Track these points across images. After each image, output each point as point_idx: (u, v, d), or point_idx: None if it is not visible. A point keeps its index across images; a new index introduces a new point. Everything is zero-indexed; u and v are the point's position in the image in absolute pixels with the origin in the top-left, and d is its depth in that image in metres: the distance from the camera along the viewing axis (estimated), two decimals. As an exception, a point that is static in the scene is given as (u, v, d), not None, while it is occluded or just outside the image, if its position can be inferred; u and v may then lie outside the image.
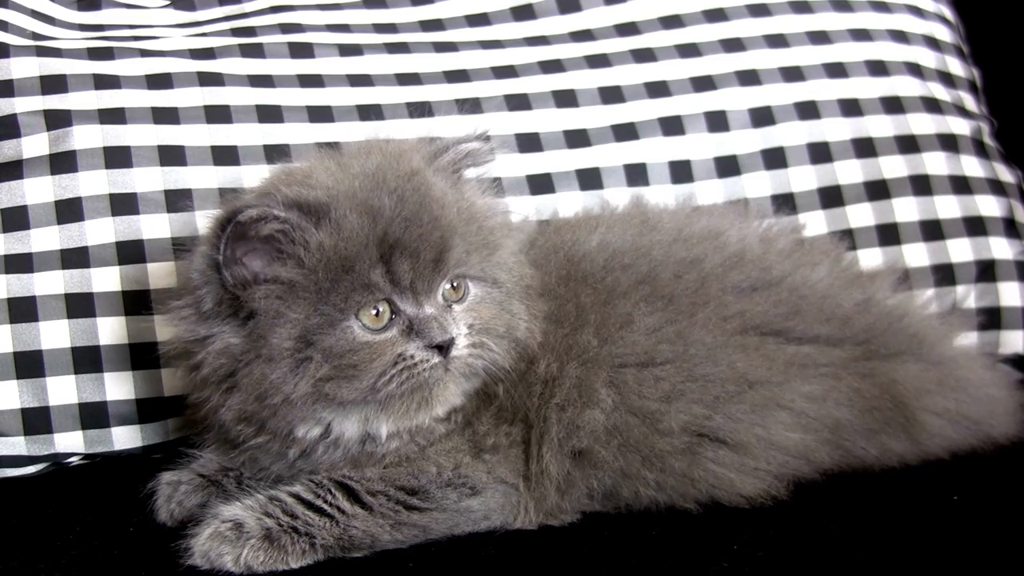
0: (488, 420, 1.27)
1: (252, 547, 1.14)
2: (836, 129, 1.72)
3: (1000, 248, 1.71)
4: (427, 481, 1.21)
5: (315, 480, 1.21)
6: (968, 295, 1.70)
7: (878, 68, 1.77)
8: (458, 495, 1.21)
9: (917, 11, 1.85)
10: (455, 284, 1.23)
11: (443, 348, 1.19)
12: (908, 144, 1.73)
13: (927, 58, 1.81)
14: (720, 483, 1.27)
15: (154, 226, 1.46)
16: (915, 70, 1.79)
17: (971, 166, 1.75)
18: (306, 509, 1.17)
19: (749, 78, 1.72)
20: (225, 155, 1.52)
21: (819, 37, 1.78)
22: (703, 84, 1.71)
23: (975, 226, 1.71)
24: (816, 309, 1.36)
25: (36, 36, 1.57)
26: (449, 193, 1.24)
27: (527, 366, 1.27)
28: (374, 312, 1.18)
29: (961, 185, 1.73)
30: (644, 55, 1.72)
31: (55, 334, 1.41)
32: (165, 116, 1.52)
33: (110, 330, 1.42)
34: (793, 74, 1.74)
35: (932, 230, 1.70)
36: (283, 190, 1.18)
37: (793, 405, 1.30)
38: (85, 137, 1.48)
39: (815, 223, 1.67)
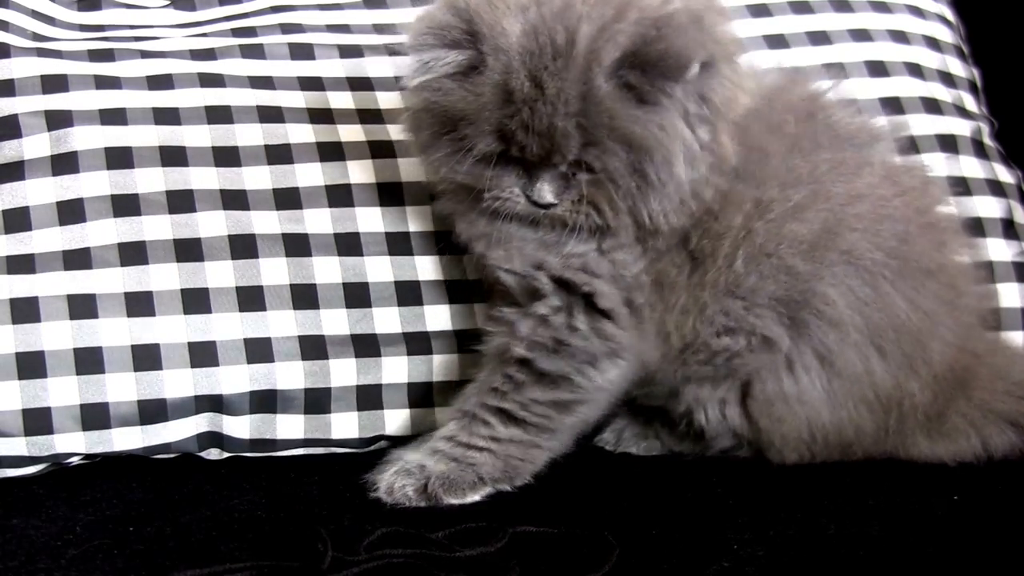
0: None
1: (433, 483, 1.28)
2: (836, 129, 1.72)
3: (998, 249, 1.71)
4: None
5: (468, 411, 1.33)
6: (967, 295, 1.70)
7: (878, 68, 1.77)
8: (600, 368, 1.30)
9: (917, 11, 1.85)
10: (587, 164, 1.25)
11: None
12: (908, 144, 1.73)
13: (927, 58, 1.81)
14: None
15: (156, 227, 1.46)
16: (915, 70, 1.79)
17: (970, 166, 1.75)
18: (466, 450, 1.30)
19: (749, 78, 1.72)
20: (226, 156, 1.52)
21: (819, 37, 1.77)
22: (703, 84, 1.70)
23: (973, 227, 1.70)
24: None
25: (37, 36, 1.57)
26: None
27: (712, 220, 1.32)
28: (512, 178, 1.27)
29: (960, 186, 1.73)
30: (644, 55, 1.71)
31: (57, 335, 1.41)
32: (166, 117, 1.52)
33: (112, 331, 1.42)
34: (793, 74, 1.73)
35: (931, 230, 1.70)
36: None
37: None
38: (86, 138, 1.48)
39: (815, 223, 1.66)
